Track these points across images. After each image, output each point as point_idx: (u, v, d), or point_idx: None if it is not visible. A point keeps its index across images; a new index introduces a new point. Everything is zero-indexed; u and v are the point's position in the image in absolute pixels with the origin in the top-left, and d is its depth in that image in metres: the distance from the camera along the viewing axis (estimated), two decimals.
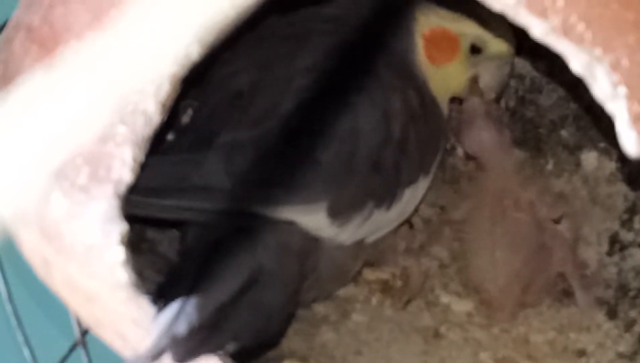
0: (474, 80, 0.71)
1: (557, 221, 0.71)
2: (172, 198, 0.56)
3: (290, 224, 0.59)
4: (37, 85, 0.21)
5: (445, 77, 0.69)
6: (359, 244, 0.65)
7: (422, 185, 0.68)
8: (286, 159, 0.60)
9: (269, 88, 0.63)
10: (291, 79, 0.63)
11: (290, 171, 0.59)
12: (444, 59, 0.69)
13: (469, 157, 0.76)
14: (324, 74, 0.63)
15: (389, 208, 0.65)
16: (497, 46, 0.70)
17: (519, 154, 0.76)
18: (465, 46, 0.69)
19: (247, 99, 0.62)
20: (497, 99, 0.74)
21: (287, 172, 0.59)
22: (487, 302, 0.70)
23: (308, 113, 0.61)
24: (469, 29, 0.69)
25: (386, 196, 0.64)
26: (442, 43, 0.69)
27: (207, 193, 0.57)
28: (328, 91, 0.62)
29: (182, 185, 0.57)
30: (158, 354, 0.49)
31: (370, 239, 0.66)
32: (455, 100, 0.74)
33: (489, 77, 0.71)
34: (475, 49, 0.70)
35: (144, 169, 0.55)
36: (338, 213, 0.61)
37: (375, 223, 0.65)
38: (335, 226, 0.61)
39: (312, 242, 0.61)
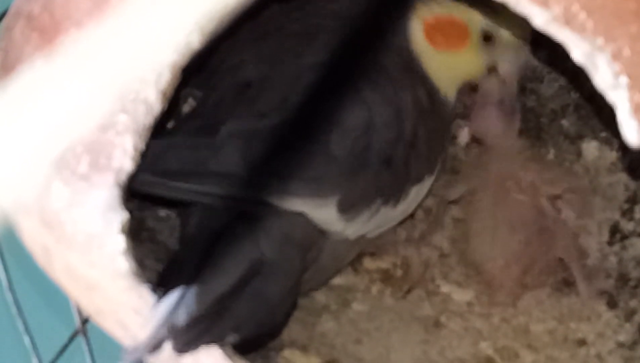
0: (493, 68, 0.71)
1: (557, 197, 0.71)
2: (190, 182, 0.57)
3: (296, 215, 0.60)
4: (37, 74, 0.21)
5: (453, 64, 0.69)
6: (360, 237, 0.65)
7: (426, 183, 0.68)
8: (301, 151, 0.60)
9: (278, 81, 0.63)
10: (301, 74, 0.63)
11: (304, 163, 0.60)
12: (450, 45, 0.69)
13: (473, 139, 0.75)
14: (333, 69, 0.63)
15: (395, 205, 0.65)
16: (510, 32, 0.69)
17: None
18: (475, 33, 0.69)
19: (256, 90, 0.63)
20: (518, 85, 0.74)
21: (301, 164, 0.59)
22: (487, 283, 0.70)
23: (321, 107, 0.61)
24: (476, 17, 0.69)
25: (394, 193, 0.65)
26: (448, 29, 0.68)
27: (224, 179, 0.57)
28: (339, 86, 0.62)
29: (199, 169, 0.57)
30: (157, 343, 0.49)
31: (372, 234, 0.66)
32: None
33: (507, 64, 0.71)
34: (487, 37, 0.69)
35: (161, 149, 0.55)
36: (348, 208, 0.61)
37: (380, 219, 0.65)
38: (343, 220, 0.62)
39: (315, 234, 0.61)
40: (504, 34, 0.69)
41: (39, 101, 0.21)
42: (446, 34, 0.68)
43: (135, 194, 0.49)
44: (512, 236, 0.69)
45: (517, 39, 0.70)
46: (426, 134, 0.66)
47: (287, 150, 0.59)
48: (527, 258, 0.69)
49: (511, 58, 0.70)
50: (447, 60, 0.69)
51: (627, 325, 0.68)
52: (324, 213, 0.61)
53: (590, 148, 0.76)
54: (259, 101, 0.62)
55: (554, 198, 0.71)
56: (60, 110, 0.20)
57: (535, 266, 0.69)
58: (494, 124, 0.73)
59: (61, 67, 0.21)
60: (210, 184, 0.57)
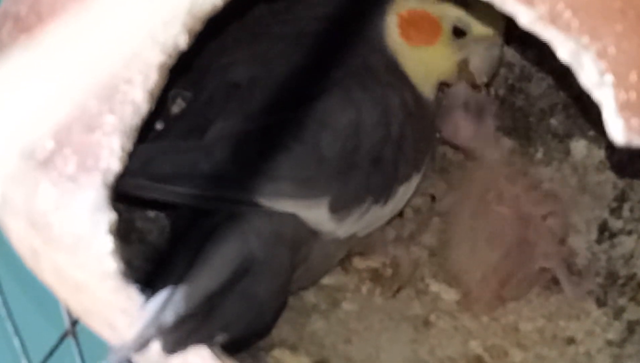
0: (464, 64, 0.71)
1: (543, 218, 0.70)
2: (181, 184, 0.57)
3: (286, 214, 0.60)
4: (13, 64, 0.21)
5: (427, 61, 0.69)
6: (350, 236, 0.65)
7: (414, 182, 0.68)
8: (291, 152, 0.60)
9: (268, 83, 0.63)
10: (290, 75, 0.63)
11: (294, 164, 0.60)
12: (423, 41, 0.69)
13: (448, 143, 0.75)
14: (322, 71, 0.63)
15: (384, 204, 0.65)
16: (481, 27, 0.69)
17: (508, 143, 0.76)
18: (447, 28, 0.69)
19: (246, 91, 0.63)
20: (489, 83, 0.73)
21: (291, 165, 0.59)
22: (465, 294, 0.70)
23: (310, 108, 0.61)
24: (449, 11, 0.69)
25: (383, 193, 0.65)
26: (421, 24, 0.68)
27: (215, 181, 0.57)
28: (328, 87, 0.63)
29: (191, 172, 0.57)
30: (144, 343, 0.49)
31: (362, 233, 0.66)
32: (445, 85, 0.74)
33: (478, 60, 0.70)
34: (458, 32, 0.69)
35: (152, 152, 0.55)
36: (339, 208, 0.62)
37: (370, 218, 0.65)
38: (334, 220, 0.62)
39: (305, 233, 0.61)
40: (476, 29, 0.69)
41: (13, 90, 0.21)
42: (419, 28, 0.68)
43: (123, 198, 0.48)
44: (491, 250, 0.69)
45: (490, 32, 0.69)
46: (413, 133, 0.66)
47: (277, 151, 0.59)
48: (504, 271, 0.69)
49: (482, 53, 0.70)
50: (420, 55, 0.69)
51: (616, 323, 0.68)
52: (315, 213, 0.61)
53: (579, 147, 0.76)
54: (248, 102, 0.62)
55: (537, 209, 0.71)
56: (33, 100, 0.20)
57: (514, 278, 0.69)
58: (461, 127, 0.72)
59: (36, 58, 0.21)
60: (201, 187, 0.57)
